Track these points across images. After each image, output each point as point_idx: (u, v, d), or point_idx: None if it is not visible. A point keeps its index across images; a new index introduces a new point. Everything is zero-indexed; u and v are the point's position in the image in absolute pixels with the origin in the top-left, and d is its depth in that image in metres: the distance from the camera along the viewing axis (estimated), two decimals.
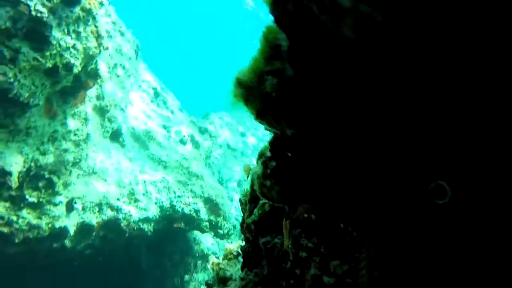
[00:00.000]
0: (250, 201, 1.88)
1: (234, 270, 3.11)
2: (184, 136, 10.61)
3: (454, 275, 0.54)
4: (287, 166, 0.79)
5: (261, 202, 1.62)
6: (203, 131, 11.86)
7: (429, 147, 0.58)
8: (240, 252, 3.45)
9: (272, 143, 0.84)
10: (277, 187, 0.83)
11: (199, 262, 10.52)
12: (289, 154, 0.77)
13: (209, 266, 3.42)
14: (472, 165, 0.58)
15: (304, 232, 1.22)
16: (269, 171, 0.84)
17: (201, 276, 11.00)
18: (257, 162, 2.17)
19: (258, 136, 15.68)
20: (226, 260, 3.34)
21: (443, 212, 0.51)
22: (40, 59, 4.40)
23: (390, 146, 0.63)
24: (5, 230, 5.96)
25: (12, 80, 4.15)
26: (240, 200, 2.42)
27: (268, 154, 0.97)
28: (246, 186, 3.45)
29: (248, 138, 15.12)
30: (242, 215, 2.43)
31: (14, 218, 6.00)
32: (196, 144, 10.93)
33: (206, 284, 3.73)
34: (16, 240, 6.10)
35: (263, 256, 1.89)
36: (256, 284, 1.64)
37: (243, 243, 3.33)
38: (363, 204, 0.69)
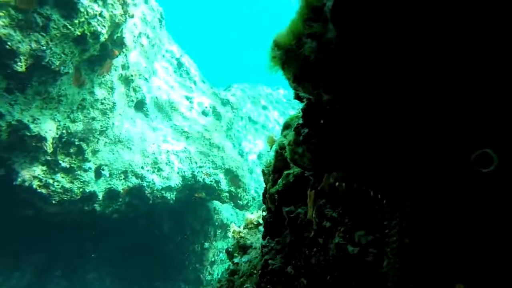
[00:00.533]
0: (273, 172, 1.90)
1: (254, 239, 3.20)
2: (206, 107, 10.68)
3: (495, 247, 0.53)
4: (320, 133, 0.78)
5: (285, 172, 1.64)
6: (225, 103, 11.88)
7: (474, 111, 0.55)
8: (261, 222, 3.53)
9: (305, 110, 0.83)
10: (309, 154, 0.83)
11: (219, 231, 10.89)
12: (322, 121, 0.76)
13: (230, 234, 3.53)
14: None
15: (329, 202, 1.23)
16: (301, 138, 0.84)
17: (220, 244, 11.42)
18: (281, 133, 2.17)
19: (280, 110, 15.57)
20: (246, 229, 3.43)
21: (487, 180, 0.50)
22: (70, 27, 4.46)
23: (432, 113, 0.61)
24: (44, 191, 6.35)
25: (44, 47, 4.25)
26: (263, 171, 2.45)
27: (300, 121, 0.96)
28: (269, 158, 3.47)
29: (270, 111, 15.05)
30: (265, 185, 2.47)
31: (51, 181, 6.37)
32: (217, 116, 11.00)
33: (227, 251, 3.87)
34: (53, 201, 6.51)
35: (285, 225, 1.93)
36: (278, 252, 1.69)
37: (265, 213, 3.41)
38: (399, 173, 0.68)
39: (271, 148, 2.82)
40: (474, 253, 0.57)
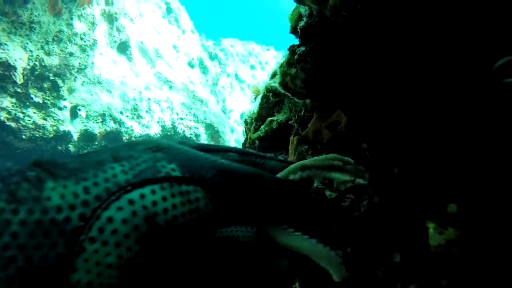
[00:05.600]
0: (256, 119, 1.83)
1: None
2: (193, 59, 10.27)
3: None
4: (319, 50, 0.70)
5: (269, 119, 1.57)
6: (213, 57, 11.47)
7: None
8: None
9: (303, 28, 0.74)
10: (303, 74, 0.75)
11: None
12: (324, 38, 0.68)
13: None
14: None
15: (311, 149, 1.18)
16: (296, 57, 0.76)
17: None
18: (269, 80, 2.07)
19: (269, 72, 15.26)
20: None
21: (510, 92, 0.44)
22: None
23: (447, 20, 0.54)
24: (13, 124, 6.06)
25: None
26: (245, 121, 2.37)
27: (289, 57, 0.87)
28: (253, 109, 3.37)
29: (258, 71, 14.71)
30: (245, 136, 2.40)
31: (21, 115, 6.06)
32: (204, 69, 10.64)
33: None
34: (23, 137, 6.25)
35: None
36: None
37: None
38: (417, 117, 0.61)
39: (255, 98, 2.73)
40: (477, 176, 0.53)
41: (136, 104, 8.21)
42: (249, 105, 13.69)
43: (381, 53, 0.61)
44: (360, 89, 0.69)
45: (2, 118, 5.99)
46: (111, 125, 7.84)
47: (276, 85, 1.53)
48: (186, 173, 0.63)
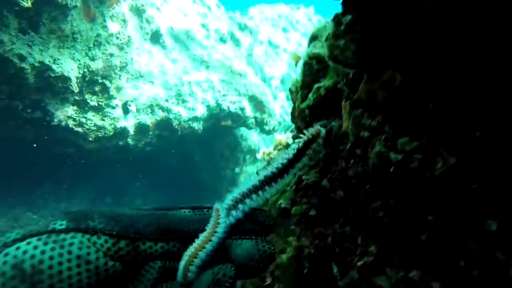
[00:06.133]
0: (302, 88, 1.81)
1: None
2: (223, 34, 10.19)
3: None
4: (368, 17, 0.67)
5: (315, 86, 1.54)
6: (242, 27, 11.25)
7: None
8: (290, 142, 3.55)
9: None
10: (353, 45, 0.73)
11: (248, 156, 11.26)
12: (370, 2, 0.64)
13: (259, 156, 3.59)
14: None
15: (366, 111, 1.15)
16: (343, 27, 0.73)
17: (250, 169, 11.92)
18: (308, 46, 2.02)
19: (301, 31, 14.64)
20: (276, 150, 3.47)
21: None
22: None
23: None
24: (80, 130, 6.65)
25: None
26: (290, 90, 2.35)
27: (334, 28, 0.83)
28: (296, 76, 3.34)
29: (290, 33, 14.20)
30: (293, 104, 2.39)
31: (83, 120, 6.62)
32: (236, 42, 10.53)
33: (257, 172, 3.98)
34: (90, 139, 6.84)
35: None
36: (311, 168, 1.69)
37: (294, 133, 3.40)
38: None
39: (296, 63, 2.67)
40: None
41: (179, 90, 8.46)
42: (287, 69, 13.39)
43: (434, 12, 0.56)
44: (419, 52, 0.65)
45: (70, 125, 6.58)
46: (160, 114, 8.22)
47: (320, 51, 1.49)
48: (71, 225, 0.68)
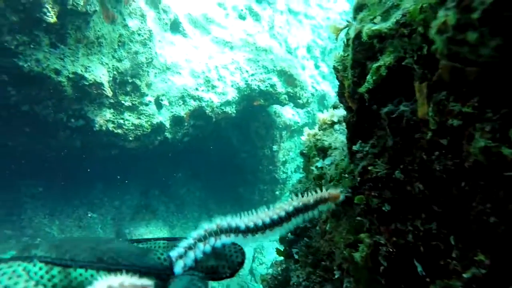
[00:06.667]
0: (353, 66, 1.61)
1: (331, 139, 3.04)
2: (241, 10, 9.82)
3: None
4: None
5: (374, 66, 1.34)
6: (259, 0, 10.77)
7: None
8: (336, 120, 3.33)
9: None
10: (498, 39, 0.55)
11: (284, 132, 11.10)
12: None
13: (303, 138, 3.42)
14: None
15: (453, 94, 0.95)
16: (477, 15, 0.55)
17: (287, 145, 11.78)
18: (354, 18, 1.78)
19: None
20: (321, 131, 3.28)
21: None
22: None
23: None
24: (120, 131, 6.84)
25: None
26: (334, 67, 2.14)
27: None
28: (337, 51, 3.08)
29: None
30: (339, 83, 2.19)
31: (121, 121, 6.78)
32: (256, 16, 10.13)
33: (301, 153, 3.83)
34: (130, 138, 7.03)
35: (374, 126, 1.71)
36: (376, 156, 1.52)
37: (340, 112, 3.18)
38: None
39: (337, 38, 2.43)
40: None
41: (207, 76, 8.36)
42: (311, 35, 12.77)
43: None
44: None
45: (110, 128, 6.77)
46: (192, 104, 8.21)
47: (380, 27, 1.27)
48: (16, 254, 0.77)
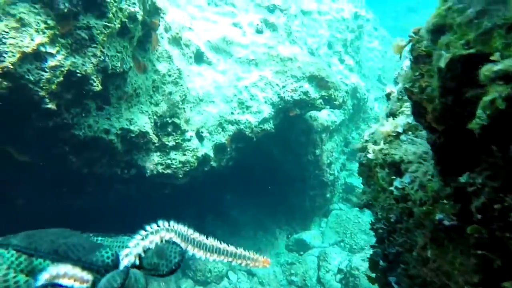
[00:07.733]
0: (443, 94, 1.50)
1: (401, 152, 2.90)
2: (257, 24, 9.84)
3: None
4: None
5: (487, 100, 1.22)
6: (271, 9, 10.75)
7: None
8: (400, 131, 3.18)
9: None
10: None
11: (323, 134, 10.92)
12: None
13: (370, 155, 3.30)
14: None
15: None
16: None
17: (329, 146, 11.56)
18: (431, 40, 1.67)
19: None
20: (387, 144, 3.14)
21: None
22: (109, 24, 4.21)
23: None
24: (169, 171, 7.04)
25: (102, 57, 4.18)
26: (406, 89, 2.04)
27: None
28: (401, 70, 2.96)
29: None
30: (413, 103, 2.07)
31: (169, 161, 6.98)
32: (272, 27, 10.11)
33: (361, 164, 3.69)
34: (180, 176, 7.21)
35: (468, 148, 1.59)
36: (499, 190, 1.39)
37: (407, 121, 3.02)
38: None
39: (400, 56, 2.31)
40: None
41: (239, 98, 8.42)
42: (328, 31, 12.52)
43: None
44: None
45: (160, 170, 6.98)
46: (231, 128, 8.28)
47: (508, 67, 1.17)
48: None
